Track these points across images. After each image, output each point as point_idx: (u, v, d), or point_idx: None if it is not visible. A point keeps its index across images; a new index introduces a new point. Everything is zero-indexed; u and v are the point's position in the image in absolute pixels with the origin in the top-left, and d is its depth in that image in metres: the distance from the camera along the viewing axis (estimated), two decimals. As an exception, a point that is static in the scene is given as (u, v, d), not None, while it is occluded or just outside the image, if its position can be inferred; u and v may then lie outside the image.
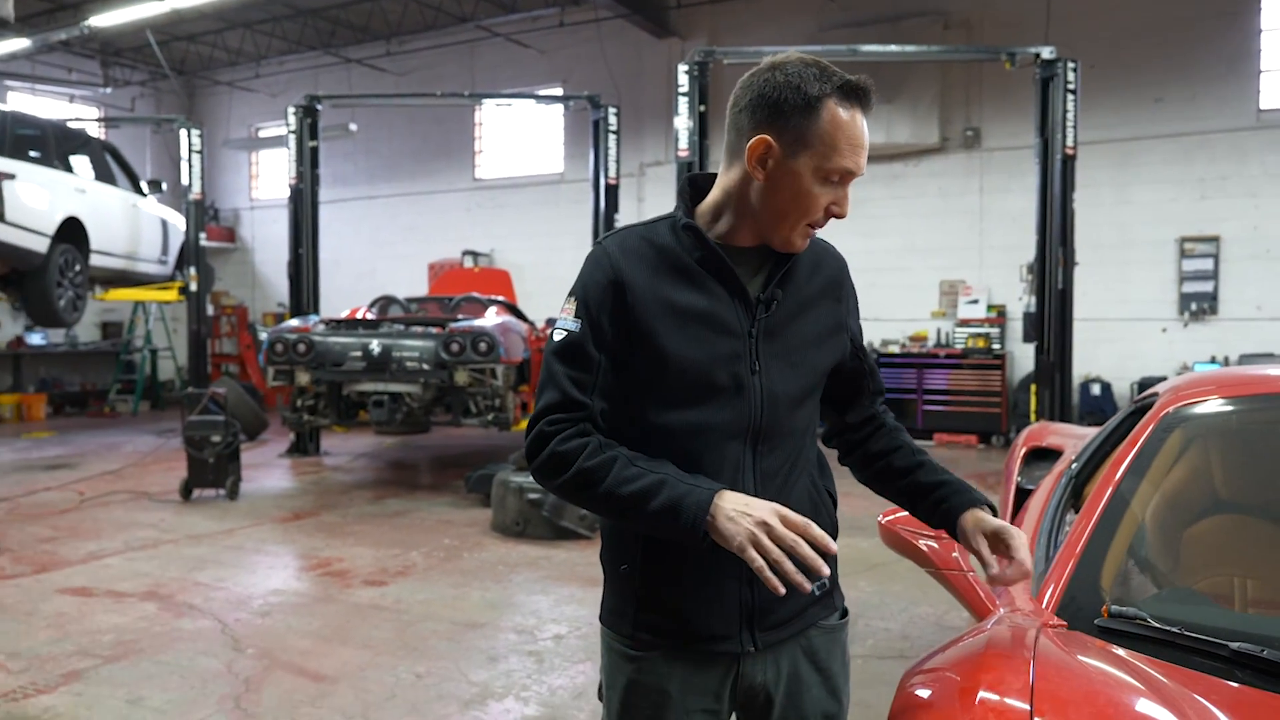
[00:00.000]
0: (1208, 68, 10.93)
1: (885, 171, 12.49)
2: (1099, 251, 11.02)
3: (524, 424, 8.76)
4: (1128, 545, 1.95)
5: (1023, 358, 11.47)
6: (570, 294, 1.54)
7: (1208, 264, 11.00)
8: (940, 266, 12.27)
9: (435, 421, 8.98)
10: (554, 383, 1.50)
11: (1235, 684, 1.45)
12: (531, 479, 6.47)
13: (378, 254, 16.38)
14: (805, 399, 1.60)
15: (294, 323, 8.49)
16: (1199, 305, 11.04)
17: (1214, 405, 2.26)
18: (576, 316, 1.51)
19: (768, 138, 1.45)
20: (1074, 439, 3.74)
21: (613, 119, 10.52)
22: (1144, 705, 1.33)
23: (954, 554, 2.09)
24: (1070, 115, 8.55)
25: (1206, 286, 11.01)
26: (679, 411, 1.49)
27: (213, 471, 7.57)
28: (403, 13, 14.83)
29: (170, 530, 6.62)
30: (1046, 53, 8.65)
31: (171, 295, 12.00)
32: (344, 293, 14.81)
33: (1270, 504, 2.36)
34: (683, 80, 9.03)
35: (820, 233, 1.59)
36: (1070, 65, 8.53)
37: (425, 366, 7.67)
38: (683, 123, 9.11)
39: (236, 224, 18.30)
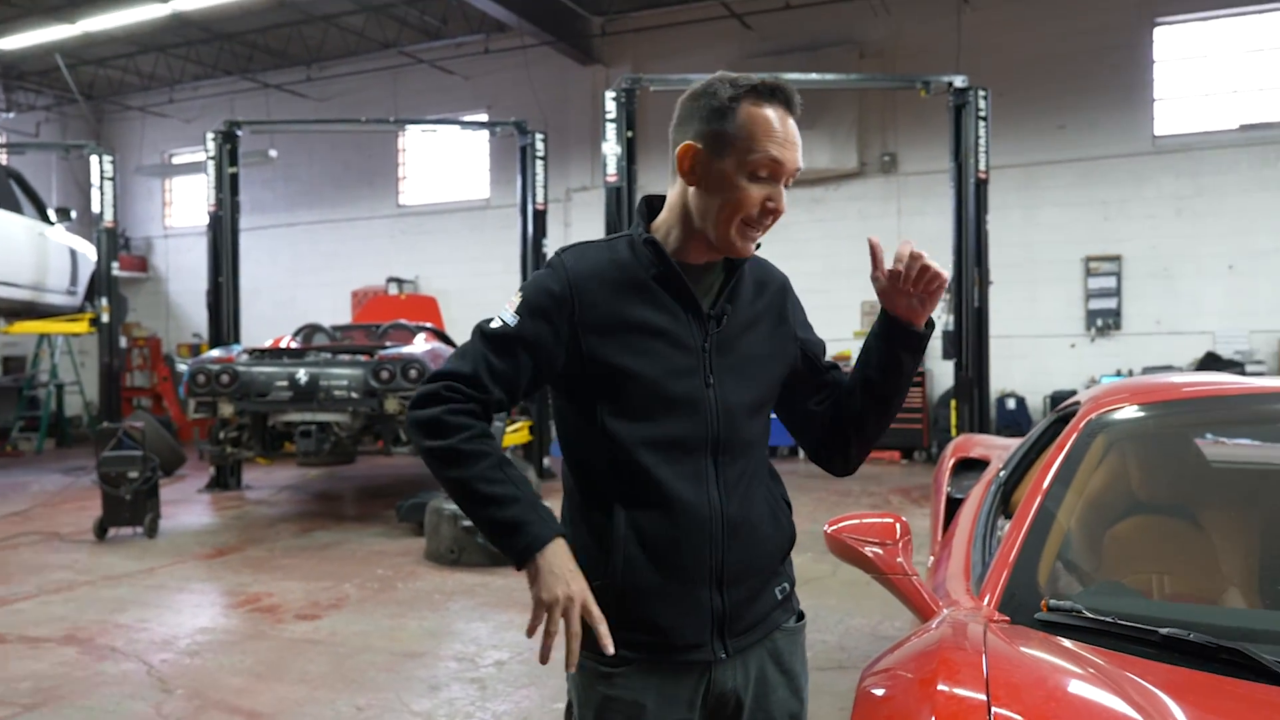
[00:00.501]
0: (1106, 96, 11.49)
1: (807, 195, 12.78)
2: (1010, 271, 11.43)
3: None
4: (1059, 546, 2.05)
5: (941, 375, 11.82)
6: (520, 290, 1.58)
7: (1111, 282, 11.52)
8: (862, 287, 12.55)
9: (360, 451, 8.84)
10: (470, 358, 1.54)
11: (1167, 665, 1.54)
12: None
13: (298, 282, 16.10)
14: (759, 410, 1.64)
15: (216, 353, 8.29)
16: (1104, 321, 11.54)
17: (1130, 412, 2.39)
18: (517, 313, 1.54)
19: (693, 143, 1.52)
20: (999, 449, 3.89)
21: (540, 145, 10.57)
22: (1090, 688, 1.41)
23: (898, 559, 2.16)
24: (982, 141, 8.89)
25: (1110, 303, 11.52)
26: (641, 425, 1.52)
27: (129, 509, 7.31)
28: (323, 38, 14.69)
29: (86, 571, 6.36)
30: (959, 81, 8.99)
31: (81, 327, 11.57)
32: (264, 322, 14.51)
33: (1180, 504, 2.50)
34: (610, 107, 9.12)
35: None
36: (981, 93, 8.88)
37: (354, 395, 7.56)
38: (611, 149, 9.20)
39: (149, 253, 17.80)
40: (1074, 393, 11.40)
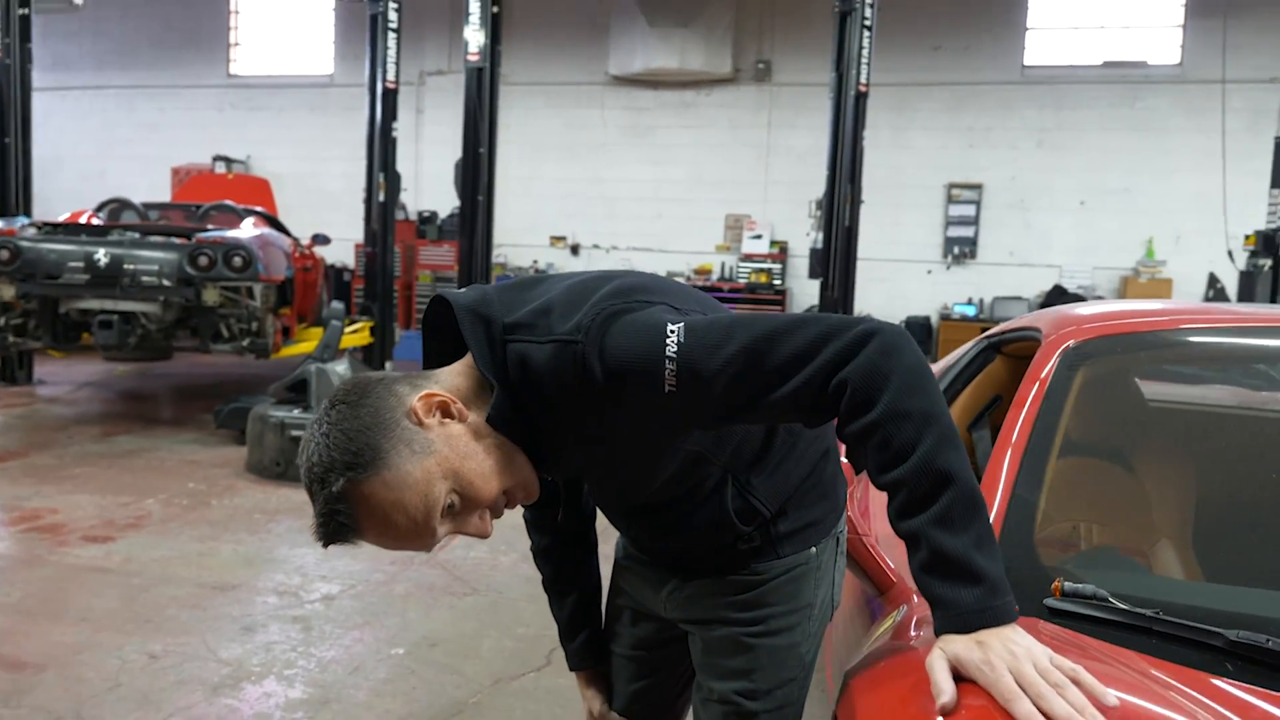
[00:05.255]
0: (981, 20, 11.38)
1: (677, 99, 12.23)
2: (874, 193, 11.20)
3: (286, 350, 7.84)
4: (1047, 505, 1.67)
5: (801, 294, 11.69)
6: None
7: (971, 210, 11.59)
8: (726, 200, 12.22)
9: (179, 346, 7.88)
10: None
11: (1230, 680, 1.17)
12: (295, 414, 5.72)
13: (109, 154, 14.34)
14: (656, 484, 1.38)
15: (-4, 225, 7.09)
16: (961, 249, 11.63)
17: (1121, 344, 2.02)
18: None
19: None
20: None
21: (393, 15, 9.51)
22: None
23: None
24: (865, 52, 8.53)
25: (968, 232, 11.61)
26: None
27: (-115, 402, 6.21)
28: (139, -127, 12.81)
29: None
30: (846, -15, 8.55)
31: None
32: (67, 195, 12.86)
33: (1114, 447, 2.19)
34: (473, -23, 8.22)
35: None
36: (868, 1, 8.48)
37: (166, 282, 6.58)
38: (473, 31, 8.35)
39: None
40: (927, 319, 11.55)
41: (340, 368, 6.11)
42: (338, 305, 7.22)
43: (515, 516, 1.39)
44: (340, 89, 13.39)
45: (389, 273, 9.61)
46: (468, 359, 1.25)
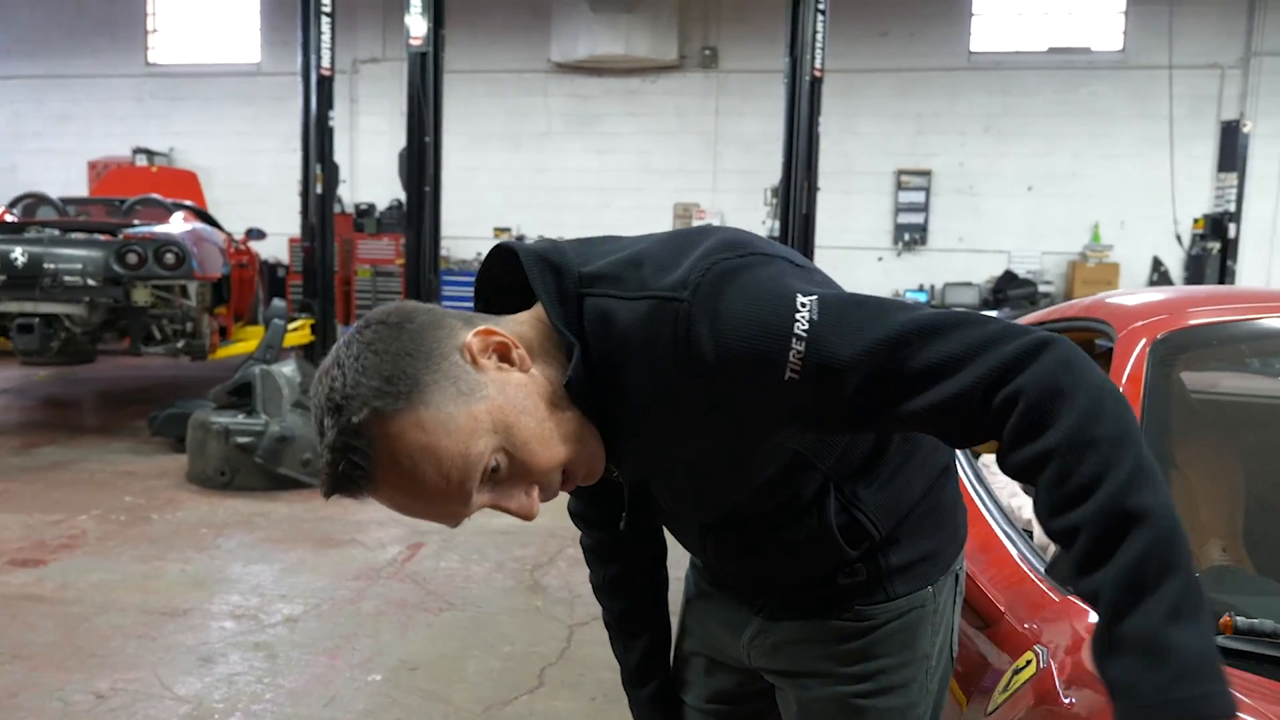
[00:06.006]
0: (928, 5, 11.35)
1: (622, 87, 11.98)
2: (825, 180, 10.99)
3: (223, 351, 7.41)
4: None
5: (753, 284, 11.54)
6: None
7: (920, 197, 11.57)
8: (675, 189, 12.02)
9: (103, 349, 7.41)
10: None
11: None
12: (239, 419, 5.35)
13: (19, 148, 13.58)
14: (746, 491, 1.15)
15: (-102, 222, 6.53)
16: (911, 236, 11.62)
17: (1205, 335, 1.84)
18: None
19: None
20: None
21: (326, -1, 9.07)
22: None
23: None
24: (820, 36, 8.38)
25: (918, 218, 11.60)
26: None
27: None
28: None
29: None
30: (798, -32, 8.38)
31: None
32: (-26, 192, 12.11)
33: (1158, 441, 2.03)
34: (414, -43, 7.87)
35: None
36: (822, -17, 8.32)
37: (91, 282, 6.12)
38: (415, 15, 8.01)
39: None
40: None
41: (287, 369, 5.73)
42: (279, 303, 6.82)
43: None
44: (268, 78, 12.85)
45: (329, 268, 9.16)
46: (535, 310, 1.03)
